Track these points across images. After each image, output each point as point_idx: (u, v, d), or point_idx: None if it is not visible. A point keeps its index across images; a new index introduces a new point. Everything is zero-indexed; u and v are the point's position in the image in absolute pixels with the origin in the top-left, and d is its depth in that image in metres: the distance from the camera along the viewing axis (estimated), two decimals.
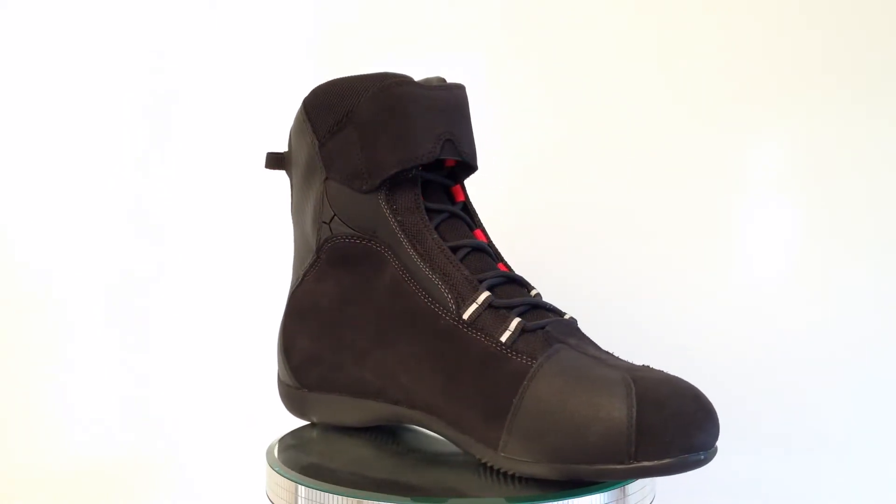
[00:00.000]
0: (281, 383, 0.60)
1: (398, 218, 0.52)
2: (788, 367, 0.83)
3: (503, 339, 0.48)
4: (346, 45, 0.89)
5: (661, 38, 0.85)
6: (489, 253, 0.54)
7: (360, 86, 0.53)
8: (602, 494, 0.44)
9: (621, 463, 0.42)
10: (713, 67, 0.84)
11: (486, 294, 0.50)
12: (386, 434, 0.57)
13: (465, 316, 0.49)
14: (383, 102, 0.52)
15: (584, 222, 0.86)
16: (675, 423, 0.42)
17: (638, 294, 0.84)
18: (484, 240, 0.55)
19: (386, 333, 0.52)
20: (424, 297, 0.51)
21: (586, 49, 0.86)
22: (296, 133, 0.57)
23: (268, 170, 0.61)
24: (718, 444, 0.45)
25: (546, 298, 0.54)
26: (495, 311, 0.49)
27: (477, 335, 0.49)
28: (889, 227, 0.82)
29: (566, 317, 0.51)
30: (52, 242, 0.90)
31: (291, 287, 0.59)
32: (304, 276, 0.57)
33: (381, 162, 0.52)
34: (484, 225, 0.57)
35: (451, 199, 0.56)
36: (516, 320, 0.49)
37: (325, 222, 0.55)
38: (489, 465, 0.47)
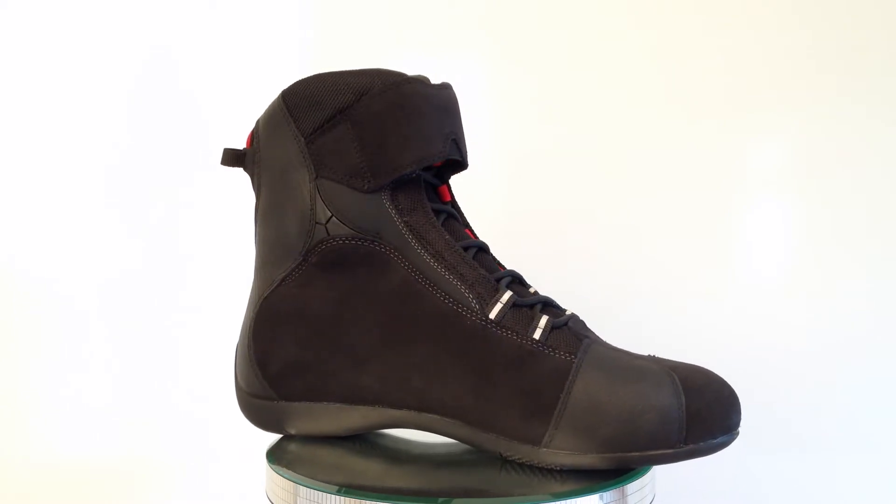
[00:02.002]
0: (248, 396, 0.56)
1: (404, 218, 0.51)
2: (788, 367, 0.83)
3: (536, 336, 0.48)
4: (338, 45, 0.89)
5: (659, 40, 0.85)
6: (489, 252, 0.54)
7: (354, 81, 0.51)
8: (603, 494, 0.45)
9: (671, 447, 0.46)
10: (711, 68, 0.84)
11: (509, 293, 0.50)
12: (375, 439, 0.56)
13: (492, 315, 0.49)
14: (392, 100, 0.51)
15: (580, 223, 0.86)
16: (716, 407, 0.46)
17: (636, 295, 0.85)
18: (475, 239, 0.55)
19: (395, 336, 0.51)
20: (444, 298, 0.50)
21: (583, 50, 0.86)
22: (270, 128, 0.54)
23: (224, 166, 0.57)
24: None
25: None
26: (518, 310, 0.50)
27: (508, 334, 0.49)
28: (888, 226, 0.82)
29: (568, 313, 0.52)
30: (53, 243, 0.90)
31: (261, 292, 0.55)
32: (284, 279, 0.54)
33: (391, 161, 0.50)
34: (476, 225, 0.57)
35: (440, 198, 0.55)
36: (545, 317, 0.49)
37: (319, 223, 0.52)
38: (523, 461, 0.47)
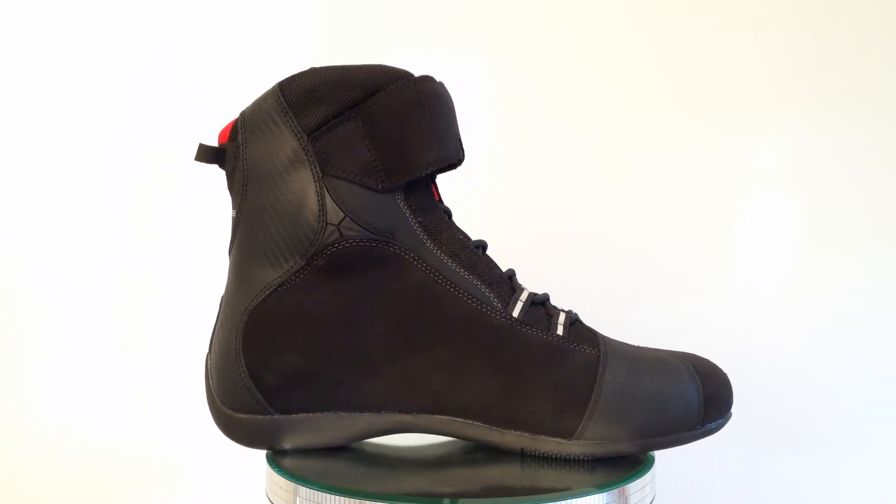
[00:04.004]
0: (232, 413, 0.52)
1: (418, 218, 0.50)
2: (788, 367, 0.83)
3: (559, 332, 0.50)
4: (338, 45, 0.89)
5: (659, 40, 0.85)
6: (487, 250, 0.54)
7: (363, 78, 0.49)
8: (602, 494, 0.45)
9: (691, 429, 0.49)
10: (711, 68, 0.84)
11: (527, 291, 0.51)
12: (375, 441, 0.55)
13: (515, 314, 0.50)
14: (410, 98, 0.49)
15: (579, 223, 0.86)
16: (722, 391, 0.51)
17: (636, 295, 0.84)
18: None
19: (414, 339, 0.49)
20: (466, 298, 0.49)
21: (583, 50, 0.86)
22: (261, 123, 0.50)
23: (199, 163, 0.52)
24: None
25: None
26: (536, 307, 0.51)
27: (533, 331, 0.49)
28: (889, 226, 0.82)
29: (566, 309, 0.53)
30: (53, 243, 0.90)
31: (247, 300, 0.51)
32: (281, 285, 0.50)
33: (411, 160, 0.49)
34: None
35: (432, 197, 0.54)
36: (563, 314, 0.51)
37: (331, 224, 0.49)
38: (549, 455, 0.49)
